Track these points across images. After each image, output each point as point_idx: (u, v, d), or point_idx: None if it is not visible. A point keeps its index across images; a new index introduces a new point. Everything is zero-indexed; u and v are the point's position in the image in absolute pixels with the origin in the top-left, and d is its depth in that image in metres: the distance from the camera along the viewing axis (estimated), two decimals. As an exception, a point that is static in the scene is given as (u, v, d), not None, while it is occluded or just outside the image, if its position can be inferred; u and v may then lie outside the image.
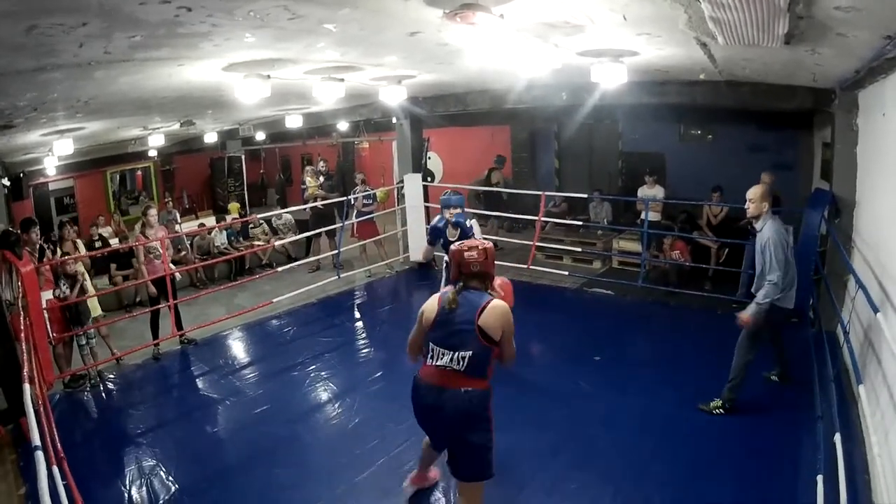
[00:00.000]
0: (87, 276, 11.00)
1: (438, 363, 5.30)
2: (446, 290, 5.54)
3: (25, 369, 6.88)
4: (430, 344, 5.39)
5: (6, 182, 16.42)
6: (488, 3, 4.80)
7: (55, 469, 4.90)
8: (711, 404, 7.83)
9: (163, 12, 4.40)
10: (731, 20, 4.80)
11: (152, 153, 23.17)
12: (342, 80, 8.79)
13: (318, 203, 16.77)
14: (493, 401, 5.43)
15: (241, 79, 7.71)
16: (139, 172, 26.68)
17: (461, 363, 5.20)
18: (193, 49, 5.99)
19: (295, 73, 8.02)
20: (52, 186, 23.42)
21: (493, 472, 5.43)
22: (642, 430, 7.67)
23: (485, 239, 6.46)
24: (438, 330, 5.36)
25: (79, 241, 12.88)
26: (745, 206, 7.56)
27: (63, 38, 4.70)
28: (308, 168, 19.68)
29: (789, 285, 7.65)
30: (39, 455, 4.48)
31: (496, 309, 5.25)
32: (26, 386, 6.15)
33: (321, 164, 18.20)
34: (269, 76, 7.71)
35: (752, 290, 7.82)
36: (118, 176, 25.91)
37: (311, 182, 17.49)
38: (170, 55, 6.17)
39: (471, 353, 5.18)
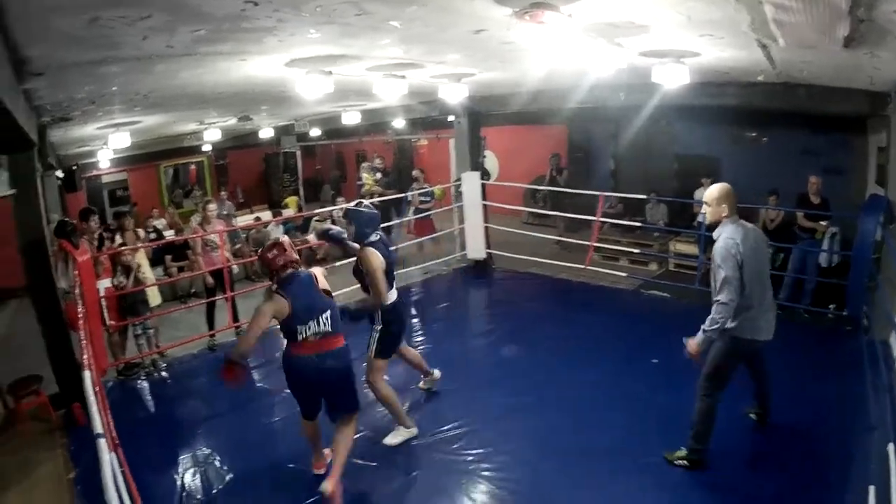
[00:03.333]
0: (145, 266, 11.17)
1: (314, 335, 6.43)
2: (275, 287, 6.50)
3: (85, 356, 6.89)
4: (297, 328, 6.37)
5: (60, 174, 16.55)
6: (557, 1, 4.72)
7: (112, 456, 4.91)
8: (676, 454, 7.03)
9: (229, 6, 4.37)
10: (793, 23, 4.72)
11: (206, 148, 23.38)
12: (403, 77, 8.75)
13: (375, 199, 16.52)
14: None
15: (304, 74, 7.69)
16: (192, 167, 27.00)
17: (327, 324, 6.46)
18: (257, 44, 5.97)
19: (357, 69, 8.00)
20: (105, 179, 23.86)
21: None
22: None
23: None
24: (297, 314, 6.36)
25: (140, 230, 13.03)
26: (701, 211, 7.03)
27: (125, 30, 4.67)
28: (364, 164, 19.82)
29: (757, 308, 6.60)
30: (102, 443, 4.52)
31: (319, 274, 6.71)
32: (86, 373, 6.17)
33: (377, 160, 18.25)
34: (330, 72, 7.69)
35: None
36: (172, 170, 26.25)
37: (367, 178, 17.59)
38: (233, 50, 6.16)
39: (329, 312, 6.49)
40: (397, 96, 10.36)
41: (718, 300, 6.43)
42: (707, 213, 6.89)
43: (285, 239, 6.57)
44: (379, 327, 7.68)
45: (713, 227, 6.86)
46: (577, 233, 16.21)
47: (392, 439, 7.82)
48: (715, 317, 6.46)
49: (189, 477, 7.51)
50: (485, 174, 15.66)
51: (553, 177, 17.90)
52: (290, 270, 6.46)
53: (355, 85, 8.94)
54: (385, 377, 7.89)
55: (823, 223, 11.53)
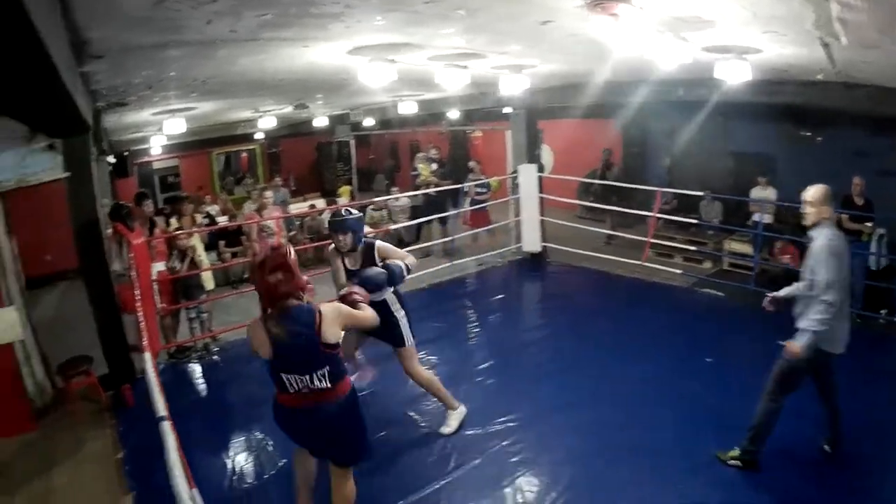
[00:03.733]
0: (200, 250, 11.34)
1: (301, 390, 5.21)
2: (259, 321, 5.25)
3: (144, 338, 7.19)
4: (281, 375, 5.22)
5: (111, 160, 16.67)
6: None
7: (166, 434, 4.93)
8: (730, 453, 6.93)
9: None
10: (857, 21, 4.65)
11: (259, 136, 23.54)
12: (465, 67, 8.72)
13: (431, 190, 16.78)
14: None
15: (367, 62, 7.65)
16: (244, 154, 27.25)
17: (323, 380, 5.18)
18: (322, 30, 5.93)
19: (419, 58, 7.92)
20: (156, 165, 24.19)
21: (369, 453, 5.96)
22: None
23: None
24: (282, 360, 5.19)
25: (197, 216, 13.15)
26: (801, 210, 6.72)
27: (190, 14, 4.63)
28: (420, 155, 19.76)
29: (838, 317, 6.38)
30: (166, 425, 4.59)
31: (329, 316, 5.18)
32: (146, 355, 6.39)
33: (433, 151, 18.25)
34: (394, 60, 7.65)
35: (795, 314, 6.72)
36: (223, 157, 26.56)
37: (423, 168, 17.61)
38: (297, 35, 6.14)
39: (327, 368, 5.17)
40: (459, 86, 10.29)
41: (825, 300, 6.21)
42: (808, 214, 6.64)
43: (292, 256, 5.22)
44: (402, 313, 7.50)
45: (805, 228, 6.75)
46: (630, 228, 16.10)
47: (448, 427, 7.84)
48: (821, 317, 6.25)
49: (241, 460, 7.62)
50: (539, 167, 15.62)
51: (603, 172, 17.81)
52: (290, 302, 5.13)
53: (417, 74, 8.91)
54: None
55: (868, 224, 11.40)
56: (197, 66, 7.39)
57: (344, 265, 7.31)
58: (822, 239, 6.35)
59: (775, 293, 6.94)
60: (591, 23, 5.55)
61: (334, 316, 5.18)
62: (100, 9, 4.32)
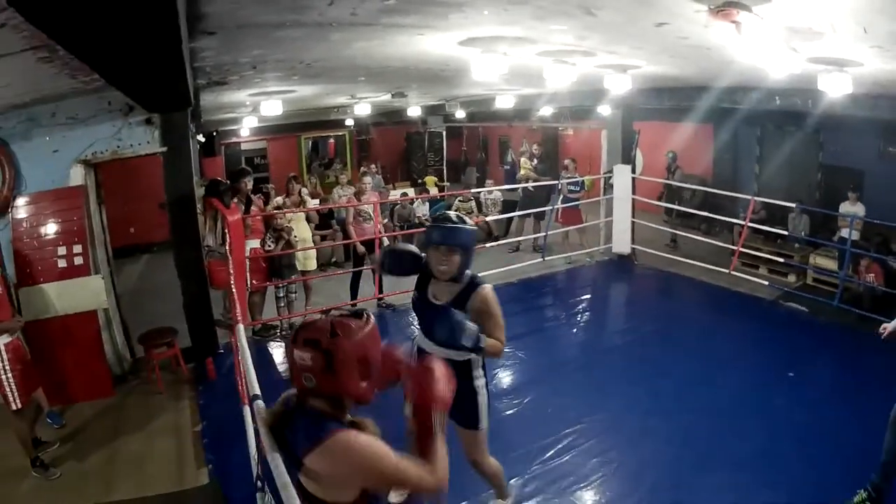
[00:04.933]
0: (302, 230, 11.73)
1: None
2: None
3: (238, 312, 7.28)
4: None
5: (201, 139, 16.89)
6: (750, 2, 4.61)
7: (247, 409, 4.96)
8: (855, 499, 6.27)
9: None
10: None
11: (349, 122, 23.83)
12: (574, 64, 8.67)
13: (530, 185, 16.84)
14: None
15: (478, 54, 7.58)
16: (332, 140, 27.33)
17: None
18: (442, 19, 5.89)
19: (528, 53, 7.87)
20: (244, 146, 24.45)
21: None
22: (833, 453, 7.37)
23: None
24: None
25: (305, 195, 13.33)
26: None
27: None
28: (522, 149, 19.75)
29: None
30: (260, 404, 4.39)
31: (334, 459, 3.01)
32: (240, 327, 6.39)
33: (535, 147, 18.26)
34: (506, 54, 7.56)
35: None
36: (311, 142, 26.70)
37: (524, 163, 17.64)
38: (416, 23, 6.10)
39: None
40: (566, 83, 10.27)
41: None
42: None
43: (355, 343, 3.08)
44: (483, 381, 5.41)
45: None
46: (716, 236, 16.21)
47: None
48: None
49: None
50: (633, 168, 15.68)
51: (668, 176, 17.63)
52: (309, 402, 3.18)
53: (525, 68, 8.87)
54: None
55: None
56: (308, 48, 7.39)
57: (424, 294, 5.40)
58: None
59: (888, 324, 6.34)
60: (709, 28, 5.51)
61: (343, 466, 3.03)
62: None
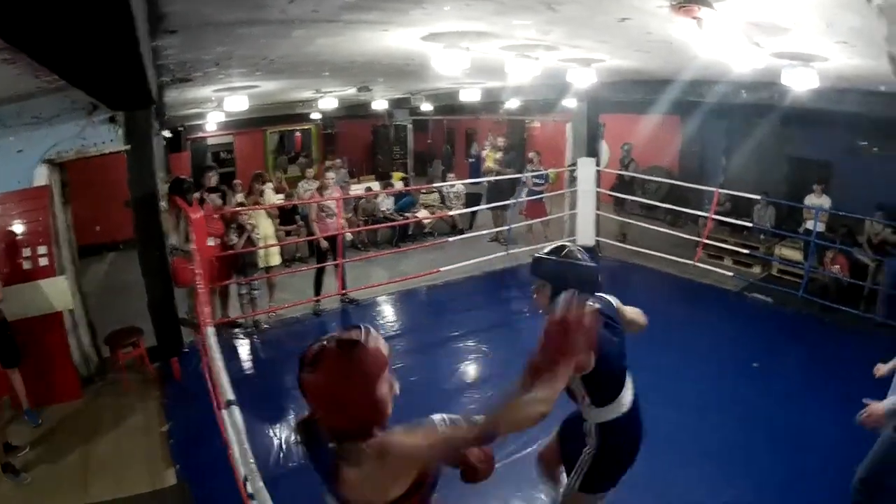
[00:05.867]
0: (265, 228, 11.56)
1: None
2: None
3: (205, 312, 7.14)
4: None
5: (167, 134, 16.83)
6: (712, -1, 4.60)
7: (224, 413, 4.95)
8: None
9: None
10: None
11: (315, 116, 23.67)
12: (537, 58, 8.64)
13: (493, 178, 16.94)
14: None
15: (441, 49, 7.57)
16: (298, 134, 27.33)
17: None
18: (403, 15, 5.90)
19: (492, 47, 7.90)
20: (210, 141, 24.31)
21: None
22: (798, 443, 7.55)
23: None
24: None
25: (269, 191, 13.31)
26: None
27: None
28: (487, 142, 19.96)
29: None
30: (235, 410, 4.53)
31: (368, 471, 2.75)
32: (210, 329, 6.39)
33: (500, 139, 18.42)
34: (468, 48, 7.57)
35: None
36: (277, 136, 26.61)
37: (490, 155, 17.82)
38: (377, 19, 6.10)
39: None
40: (528, 77, 10.25)
41: None
42: None
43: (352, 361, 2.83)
44: (593, 449, 4.82)
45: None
46: (682, 227, 16.28)
47: None
48: None
49: (286, 440, 7.71)
50: (598, 161, 15.81)
51: (623, 168, 17.60)
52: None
53: (487, 63, 8.89)
54: None
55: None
56: (271, 45, 7.38)
57: None
58: None
59: (882, 365, 5.70)
60: (671, 24, 5.52)
61: (379, 473, 2.76)
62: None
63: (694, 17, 4.83)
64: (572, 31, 7.06)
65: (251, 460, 4.32)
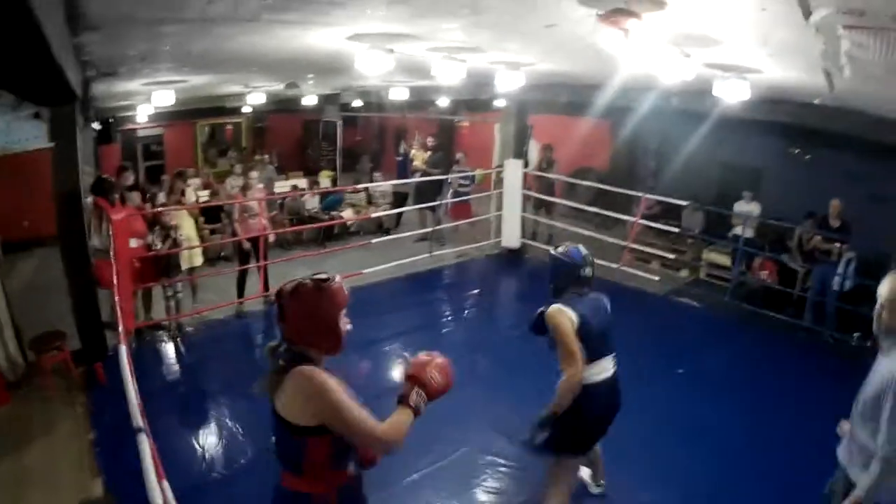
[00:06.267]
0: (187, 228, 11.37)
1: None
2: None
3: (118, 317, 7.23)
4: None
5: (96, 126, 16.55)
6: (640, 10, 4.62)
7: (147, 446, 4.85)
8: None
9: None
10: (865, 59, 4.62)
11: (246, 109, 23.30)
12: (464, 60, 8.63)
13: (420, 179, 16.94)
14: None
15: (365, 49, 7.52)
16: (229, 127, 27.17)
17: (275, 451, 3.77)
18: (324, 15, 5.85)
19: (418, 49, 7.86)
20: (140, 133, 23.90)
21: None
22: (722, 448, 7.61)
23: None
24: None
25: (190, 191, 13.16)
26: (875, 311, 4.30)
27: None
28: (416, 141, 20.17)
29: None
30: (143, 437, 4.47)
31: (294, 383, 3.55)
32: (122, 348, 6.35)
33: (429, 139, 18.33)
34: (392, 50, 7.53)
35: (841, 454, 4.90)
36: (208, 129, 26.39)
37: (418, 155, 17.88)
38: (298, 20, 6.05)
39: (273, 439, 3.73)
40: (455, 79, 10.05)
41: (883, 454, 4.12)
42: (881, 318, 4.31)
43: (333, 297, 3.71)
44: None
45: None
46: (610, 230, 16.11)
47: None
48: (880, 472, 4.17)
49: (210, 446, 7.64)
50: (525, 163, 15.81)
51: (542, 169, 17.13)
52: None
53: (413, 63, 8.86)
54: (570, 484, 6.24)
55: (837, 245, 11.49)
56: (192, 42, 7.27)
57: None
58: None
59: (844, 426, 5.08)
60: (598, 33, 5.47)
61: (299, 392, 3.55)
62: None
63: (621, 28, 4.79)
64: (499, 35, 7.06)
65: (166, 487, 4.36)
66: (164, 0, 4.82)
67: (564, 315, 5.62)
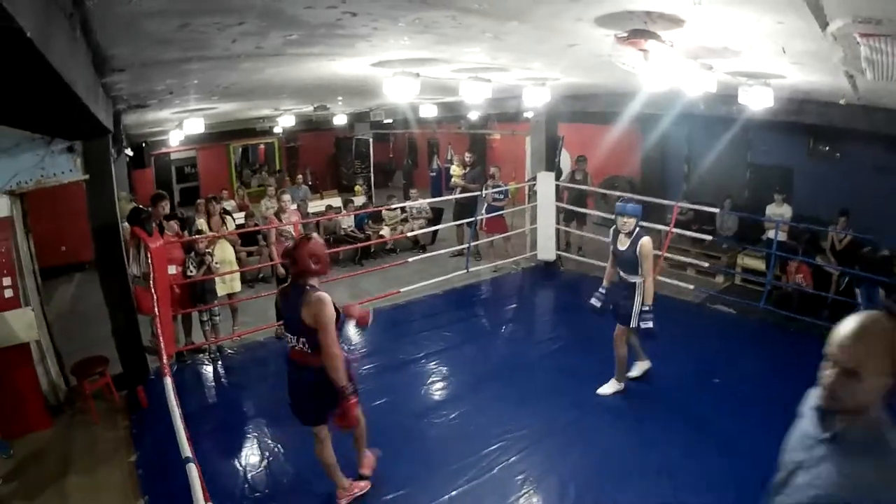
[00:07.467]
0: (225, 253, 11.40)
1: (294, 346, 6.22)
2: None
3: (161, 343, 7.24)
4: (286, 332, 6.43)
5: (129, 152, 16.71)
6: (658, 29, 4.65)
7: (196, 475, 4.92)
8: None
9: (326, 16, 4.34)
10: (885, 63, 4.64)
11: (277, 129, 23.44)
12: (489, 80, 8.69)
13: (458, 195, 16.85)
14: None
15: (391, 76, 7.63)
16: (262, 147, 27.51)
17: (305, 346, 6.09)
18: (349, 48, 5.98)
19: (443, 71, 7.95)
20: (173, 156, 24.29)
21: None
22: (756, 459, 7.41)
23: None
24: (284, 322, 6.56)
25: (227, 217, 13.21)
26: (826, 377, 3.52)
27: (216, 34, 4.68)
28: (455, 157, 20.19)
29: None
30: (191, 467, 4.52)
31: (311, 304, 5.92)
32: (167, 380, 6.13)
33: (467, 156, 18.08)
34: (418, 74, 7.63)
35: None
36: (241, 149, 26.76)
37: (456, 171, 17.62)
38: (323, 52, 6.19)
39: (305, 339, 6.08)
40: (481, 98, 10.11)
41: None
42: (858, 392, 2.88)
43: (309, 248, 6.07)
44: (640, 301, 8.52)
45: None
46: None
47: (605, 389, 9.07)
48: None
49: (252, 466, 7.65)
50: (558, 174, 15.73)
51: (577, 181, 16.90)
52: (297, 280, 6.15)
53: (441, 84, 8.99)
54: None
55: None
56: (220, 76, 7.44)
57: (616, 243, 8.79)
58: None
59: None
60: (619, 54, 5.52)
61: (313, 308, 5.91)
62: (121, 32, 4.34)
63: (641, 50, 4.80)
64: (522, 56, 7.13)
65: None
66: (188, 42, 4.88)
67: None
